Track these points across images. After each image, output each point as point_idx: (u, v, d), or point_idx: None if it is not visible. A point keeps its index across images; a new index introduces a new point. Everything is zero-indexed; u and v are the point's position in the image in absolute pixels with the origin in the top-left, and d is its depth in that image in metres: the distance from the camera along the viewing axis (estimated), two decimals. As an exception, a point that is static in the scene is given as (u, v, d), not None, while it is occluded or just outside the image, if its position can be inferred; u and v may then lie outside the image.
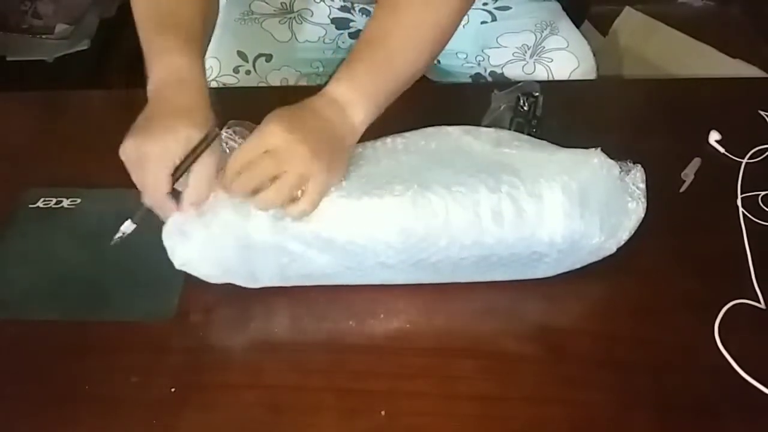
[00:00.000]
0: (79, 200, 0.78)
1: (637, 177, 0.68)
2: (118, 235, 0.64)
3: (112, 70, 1.69)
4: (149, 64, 0.68)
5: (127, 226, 0.64)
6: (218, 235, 0.64)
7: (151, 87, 0.66)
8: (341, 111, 0.65)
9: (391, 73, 0.68)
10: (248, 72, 0.97)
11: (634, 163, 0.68)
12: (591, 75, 0.98)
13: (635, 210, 0.67)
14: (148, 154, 0.62)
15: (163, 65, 0.66)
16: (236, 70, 0.97)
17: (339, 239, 0.64)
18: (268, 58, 0.97)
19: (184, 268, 0.66)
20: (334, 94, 0.66)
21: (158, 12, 0.70)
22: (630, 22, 1.43)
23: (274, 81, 0.98)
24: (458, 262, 0.65)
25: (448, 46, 1.01)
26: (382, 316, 0.67)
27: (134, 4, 0.72)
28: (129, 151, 0.62)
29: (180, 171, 0.62)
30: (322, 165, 0.62)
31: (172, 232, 0.65)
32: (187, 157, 0.62)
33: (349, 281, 0.67)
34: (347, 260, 0.65)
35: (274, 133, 0.62)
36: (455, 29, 0.73)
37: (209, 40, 0.75)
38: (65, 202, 0.77)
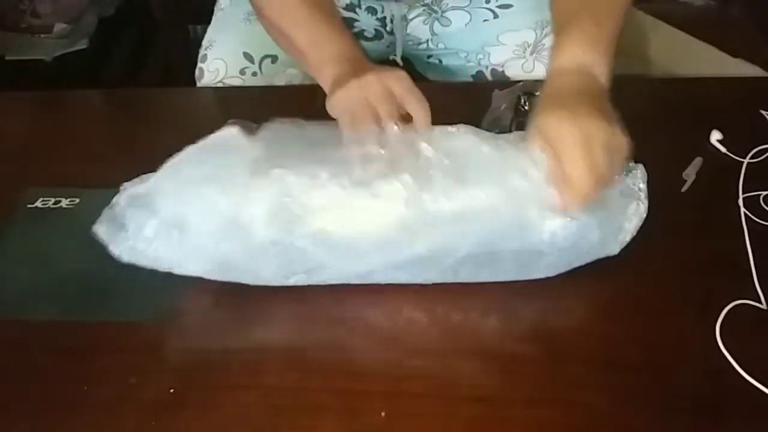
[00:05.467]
0: (77, 200, 0.77)
1: (638, 177, 0.68)
2: None
3: (110, 70, 1.69)
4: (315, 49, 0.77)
5: None
6: (215, 231, 0.64)
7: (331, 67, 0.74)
8: (588, 74, 0.67)
9: (613, 24, 0.71)
10: (254, 74, 0.96)
11: (635, 163, 0.68)
12: None
13: (636, 211, 0.67)
14: (396, 82, 0.69)
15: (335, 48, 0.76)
16: (242, 72, 0.96)
17: (341, 235, 0.63)
18: (274, 59, 0.97)
19: (174, 270, 0.65)
20: (578, 58, 0.67)
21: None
22: (631, 20, 1.43)
23: (280, 82, 0.98)
24: (460, 259, 0.65)
25: (449, 45, 1.02)
26: (382, 316, 0.67)
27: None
28: (352, 89, 0.69)
29: None
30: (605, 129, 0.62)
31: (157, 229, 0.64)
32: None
33: (349, 278, 0.66)
34: (348, 257, 0.64)
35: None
36: None
37: None
38: (64, 202, 0.77)
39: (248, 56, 0.96)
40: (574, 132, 0.62)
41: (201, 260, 0.66)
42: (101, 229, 0.66)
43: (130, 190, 0.66)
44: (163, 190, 0.65)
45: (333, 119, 0.70)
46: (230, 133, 0.67)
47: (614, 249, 0.67)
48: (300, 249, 0.64)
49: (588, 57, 0.67)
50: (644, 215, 0.67)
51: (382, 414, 0.59)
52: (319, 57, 0.76)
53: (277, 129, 0.68)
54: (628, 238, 0.67)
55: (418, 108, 0.68)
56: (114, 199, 0.66)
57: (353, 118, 0.68)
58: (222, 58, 0.96)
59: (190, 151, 0.66)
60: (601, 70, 0.68)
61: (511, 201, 0.64)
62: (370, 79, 0.70)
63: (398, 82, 0.69)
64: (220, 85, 0.96)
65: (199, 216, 0.64)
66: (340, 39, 0.77)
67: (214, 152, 0.66)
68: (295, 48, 0.80)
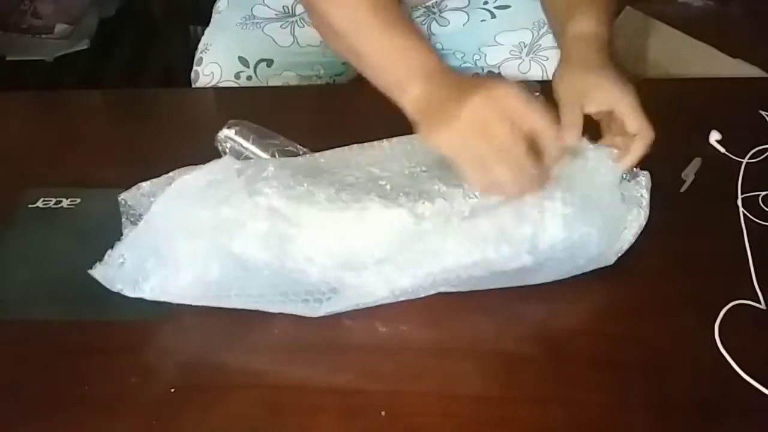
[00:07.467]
0: (78, 200, 0.77)
1: (642, 184, 0.68)
2: None
3: (111, 70, 1.69)
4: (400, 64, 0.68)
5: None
6: (202, 254, 0.63)
7: (420, 89, 0.66)
8: (596, 43, 0.73)
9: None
10: (249, 77, 0.96)
11: (642, 170, 0.68)
12: None
13: (637, 218, 0.67)
14: (509, 100, 0.61)
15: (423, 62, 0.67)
16: (237, 76, 0.96)
17: (339, 251, 0.63)
18: (269, 63, 0.97)
19: (160, 297, 0.64)
20: (592, 31, 0.73)
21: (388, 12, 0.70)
22: (630, 21, 1.43)
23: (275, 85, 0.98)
24: (458, 271, 0.64)
25: (447, 45, 1.02)
26: (382, 316, 0.67)
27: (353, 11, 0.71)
28: (463, 127, 0.61)
29: None
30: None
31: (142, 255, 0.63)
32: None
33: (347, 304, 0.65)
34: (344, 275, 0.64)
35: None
36: None
37: None
38: (65, 202, 0.77)
39: (243, 60, 0.96)
40: (631, 93, 0.68)
41: (200, 290, 0.64)
42: (99, 270, 0.65)
43: (129, 234, 0.66)
44: (158, 226, 0.64)
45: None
46: (221, 165, 0.65)
47: (611, 258, 0.67)
48: (293, 269, 0.63)
49: (599, 27, 0.74)
50: (644, 223, 0.67)
51: (382, 414, 0.59)
52: (398, 73, 0.67)
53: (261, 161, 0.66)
54: (625, 246, 0.67)
55: (546, 129, 0.61)
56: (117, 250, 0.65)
57: (482, 165, 0.61)
58: (217, 62, 0.96)
59: (180, 184, 0.64)
60: (607, 38, 0.74)
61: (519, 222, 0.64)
62: (482, 109, 0.61)
63: (512, 100, 0.61)
64: None
65: (195, 247, 0.63)
66: (420, 50, 0.68)
67: (205, 183, 0.64)
68: (368, 64, 0.71)
